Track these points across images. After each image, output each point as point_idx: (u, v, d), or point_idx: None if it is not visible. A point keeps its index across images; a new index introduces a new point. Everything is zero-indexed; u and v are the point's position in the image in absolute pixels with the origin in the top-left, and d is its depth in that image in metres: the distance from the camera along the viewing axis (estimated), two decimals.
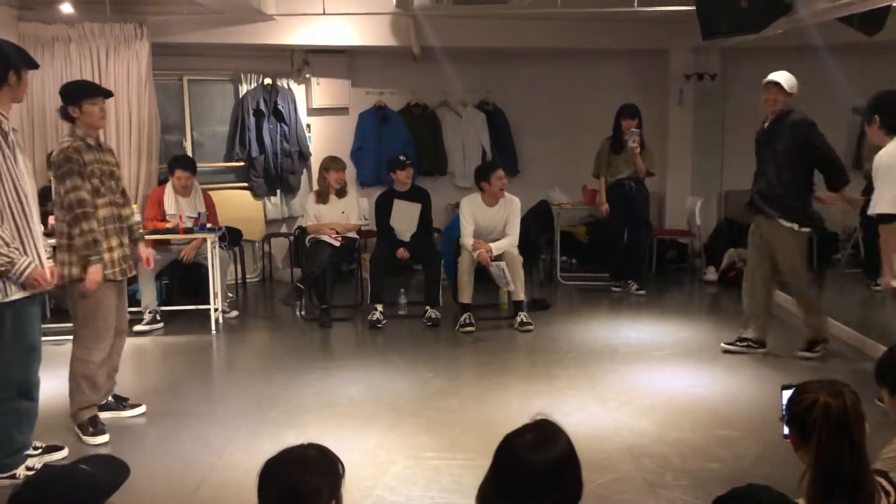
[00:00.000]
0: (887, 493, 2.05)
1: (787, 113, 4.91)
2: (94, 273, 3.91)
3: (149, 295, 6.20)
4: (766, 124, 5.02)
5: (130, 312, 6.05)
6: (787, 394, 2.20)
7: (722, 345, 5.29)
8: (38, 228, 3.56)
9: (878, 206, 3.85)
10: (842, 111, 7.79)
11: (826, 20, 5.68)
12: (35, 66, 3.63)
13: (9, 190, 3.35)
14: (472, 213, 6.17)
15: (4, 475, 3.49)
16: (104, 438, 4.02)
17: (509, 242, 6.13)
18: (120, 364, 4.41)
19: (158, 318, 6.23)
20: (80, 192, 3.91)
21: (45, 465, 1.73)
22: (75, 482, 1.70)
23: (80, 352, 4.09)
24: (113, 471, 1.79)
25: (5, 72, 3.41)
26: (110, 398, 4.37)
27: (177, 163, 6.58)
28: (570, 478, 1.88)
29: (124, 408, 4.41)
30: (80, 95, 4.03)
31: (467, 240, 6.11)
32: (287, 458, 1.84)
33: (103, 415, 4.22)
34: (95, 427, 4.05)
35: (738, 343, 5.25)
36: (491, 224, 6.24)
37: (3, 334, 3.40)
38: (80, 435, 4.04)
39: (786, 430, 2.16)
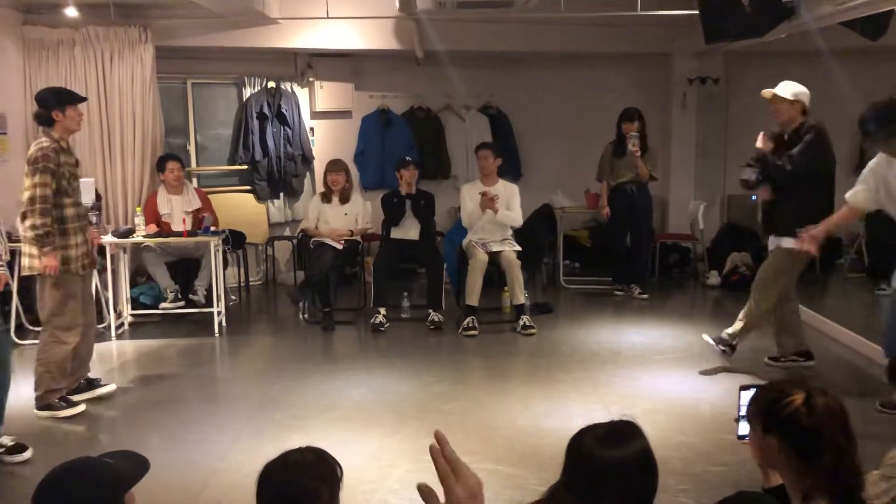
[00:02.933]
0: None
1: (801, 126, 4.78)
2: (49, 259, 4.16)
3: (163, 277, 6.39)
4: (786, 137, 4.88)
5: (135, 315, 6.12)
6: (745, 395, 2.16)
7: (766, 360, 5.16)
8: None
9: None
10: (845, 116, 7.81)
11: (829, 24, 5.68)
12: (77, 100, 3.94)
13: None
14: (471, 194, 6.33)
15: None
16: (80, 408, 4.39)
17: (515, 216, 6.31)
18: (123, 366, 4.47)
19: (179, 296, 6.38)
20: (46, 189, 4.15)
21: (76, 458, 1.77)
22: (100, 473, 1.74)
23: (52, 340, 4.33)
24: (134, 464, 1.85)
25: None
26: (82, 381, 4.61)
27: (167, 156, 6.75)
28: (641, 481, 1.82)
29: (96, 387, 4.64)
30: (65, 100, 4.32)
31: (469, 217, 6.30)
32: (285, 464, 1.83)
33: (77, 397, 4.50)
34: (68, 402, 4.40)
35: (781, 359, 5.11)
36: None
37: None
38: (55, 413, 4.30)
39: (741, 432, 2.13)
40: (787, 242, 4.70)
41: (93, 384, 4.66)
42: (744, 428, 2.10)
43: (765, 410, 1.91)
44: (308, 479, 1.80)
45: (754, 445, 1.97)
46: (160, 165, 6.66)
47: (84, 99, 4.53)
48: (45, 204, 4.15)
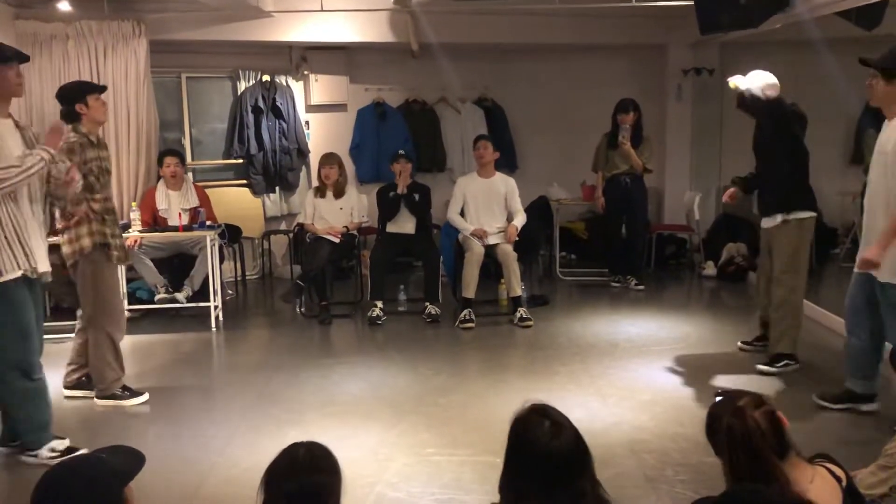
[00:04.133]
0: (839, 479, 2.06)
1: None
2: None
3: (149, 274, 6.35)
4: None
5: (131, 310, 6.11)
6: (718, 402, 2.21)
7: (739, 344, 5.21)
8: (28, 215, 3.62)
9: None
10: (839, 106, 7.84)
11: (824, 14, 5.67)
12: (15, 57, 3.66)
13: None
14: (465, 189, 6.38)
15: (32, 453, 3.69)
16: (144, 397, 4.51)
17: (522, 219, 6.35)
18: (121, 356, 4.52)
19: (170, 288, 6.37)
20: None
21: (73, 456, 1.79)
22: (98, 470, 1.75)
23: (100, 334, 4.37)
24: (130, 458, 1.86)
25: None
26: (84, 377, 4.59)
27: (166, 151, 6.76)
28: (587, 454, 1.91)
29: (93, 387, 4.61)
30: (84, 92, 4.27)
31: (453, 215, 6.37)
32: (293, 460, 1.83)
33: (74, 392, 4.55)
34: (131, 391, 4.50)
35: (755, 343, 5.16)
36: (486, 196, 6.33)
37: None
38: (120, 403, 4.45)
39: None
40: (798, 214, 4.67)
41: (92, 383, 4.59)
42: None
43: (707, 431, 2.19)
44: (322, 475, 1.80)
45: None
46: (159, 160, 6.65)
47: (104, 88, 4.48)
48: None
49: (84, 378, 4.59)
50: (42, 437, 3.70)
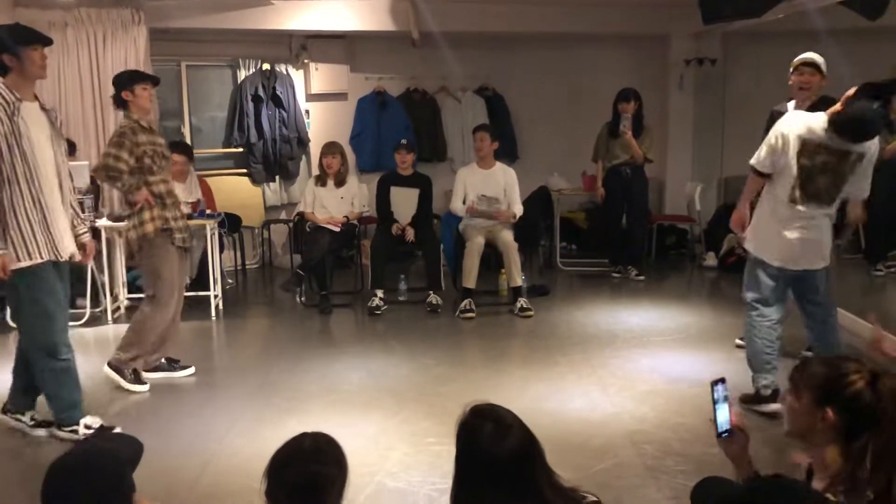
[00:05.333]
0: None
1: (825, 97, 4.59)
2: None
3: None
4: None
5: (131, 299, 6.10)
6: (720, 388, 2.12)
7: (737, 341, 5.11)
8: (57, 202, 3.70)
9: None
10: (842, 96, 7.79)
11: (828, 4, 5.64)
12: (39, 40, 3.70)
13: (6, 167, 3.51)
14: (465, 180, 6.36)
15: (67, 429, 3.80)
16: (145, 388, 4.50)
17: (519, 210, 6.32)
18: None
19: None
20: (120, 162, 4.28)
21: (79, 445, 1.81)
22: (106, 457, 1.78)
23: (150, 309, 4.50)
24: (131, 446, 1.89)
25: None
26: (162, 361, 4.78)
27: (173, 146, 6.60)
28: (536, 447, 1.86)
29: (175, 369, 4.81)
30: (132, 80, 4.42)
31: (457, 205, 6.33)
32: (298, 450, 1.82)
33: (154, 375, 4.68)
34: (137, 377, 4.53)
35: None
36: (486, 187, 6.31)
37: (21, 299, 3.64)
38: (119, 380, 4.45)
39: (723, 428, 2.09)
40: None
41: (172, 365, 4.83)
42: (723, 424, 2.08)
43: (822, 384, 1.89)
44: (327, 466, 1.80)
45: (795, 415, 1.94)
46: None
47: (152, 78, 4.56)
48: (113, 172, 4.29)
49: (163, 361, 4.77)
50: (73, 415, 3.81)
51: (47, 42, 3.75)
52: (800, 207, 3.89)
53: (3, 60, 3.56)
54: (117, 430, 3.84)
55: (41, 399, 3.91)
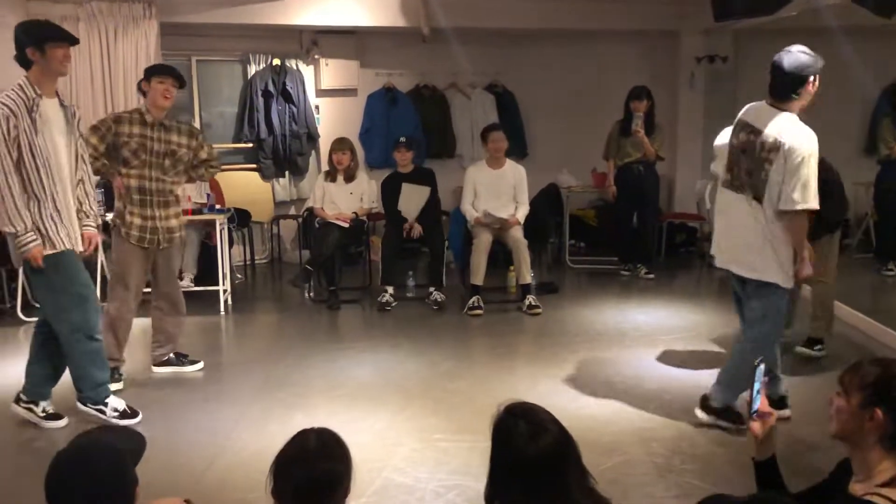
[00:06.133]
0: None
1: None
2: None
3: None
4: None
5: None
6: (761, 369, 2.10)
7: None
8: (69, 197, 3.80)
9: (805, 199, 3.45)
10: (854, 95, 7.75)
11: (841, 2, 5.60)
12: (65, 39, 3.77)
13: (27, 161, 3.60)
14: (475, 179, 6.33)
15: (93, 407, 3.93)
16: (118, 386, 4.38)
17: (525, 211, 6.28)
18: (127, 344, 4.52)
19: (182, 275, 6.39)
20: (87, 146, 4.16)
21: (81, 437, 1.84)
22: (110, 450, 1.78)
23: (109, 306, 4.49)
24: (134, 440, 1.91)
25: (22, 53, 3.66)
26: (171, 355, 4.78)
27: None
28: (571, 446, 1.85)
29: (184, 363, 4.81)
30: (152, 72, 4.46)
31: (466, 207, 6.29)
32: (304, 447, 1.81)
33: (163, 370, 4.74)
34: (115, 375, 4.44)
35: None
36: (496, 187, 6.29)
37: (53, 283, 3.75)
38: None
39: (756, 407, 2.08)
40: None
41: (181, 359, 4.82)
42: (758, 405, 2.09)
43: (875, 384, 1.89)
44: (333, 463, 1.79)
45: (842, 414, 1.94)
46: None
47: (170, 71, 4.47)
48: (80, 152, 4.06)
49: (172, 356, 4.78)
50: (101, 392, 3.94)
51: (72, 41, 3.81)
52: (724, 189, 3.87)
53: (27, 54, 3.64)
54: (139, 416, 3.98)
55: (55, 389, 4.00)
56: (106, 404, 3.94)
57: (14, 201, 3.58)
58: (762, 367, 2.11)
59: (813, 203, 3.46)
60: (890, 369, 1.91)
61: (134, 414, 3.98)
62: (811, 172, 3.45)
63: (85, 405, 3.95)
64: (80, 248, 3.86)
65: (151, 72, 4.48)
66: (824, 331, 4.89)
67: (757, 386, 2.08)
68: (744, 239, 3.70)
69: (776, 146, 3.51)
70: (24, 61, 3.66)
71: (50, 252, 3.68)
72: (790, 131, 3.51)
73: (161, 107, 4.43)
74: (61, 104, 3.79)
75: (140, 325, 4.84)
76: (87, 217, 3.94)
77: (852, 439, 1.94)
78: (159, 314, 4.74)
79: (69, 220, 3.79)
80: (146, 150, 4.39)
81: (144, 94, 4.46)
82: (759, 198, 3.60)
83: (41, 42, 3.63)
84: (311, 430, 1.88)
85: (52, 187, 3.69)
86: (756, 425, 2.08)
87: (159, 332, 4.75)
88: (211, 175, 4.94)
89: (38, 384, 3.96)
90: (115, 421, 3.90)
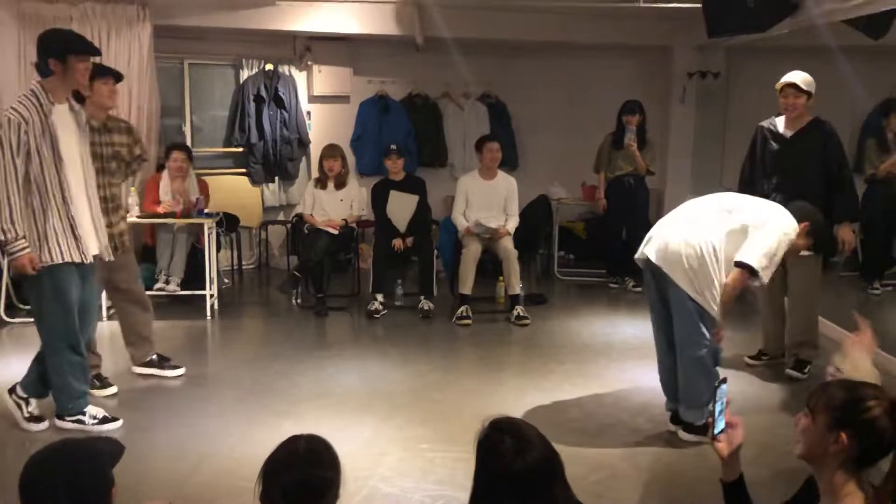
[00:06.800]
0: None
1: (817, 119, 4.75)
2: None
3: (163, 259, 6.42)
4: (787, 131, 4.79)
5: None
6: (723, 389, 2.05)
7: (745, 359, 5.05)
8: (83, 203, 3.78)
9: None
10: (845, 113, 7.81)
11: (832, 22, 5.65)
12: (88, 51, 3.75)
13: (36, 169, 3.58)
14: (467, 189, 6.32)
15: (71, 419, 3.89)
16: (113, 389, 4.41)
17: (515, 223, 6.28)
18: (113, 348, 4.49)
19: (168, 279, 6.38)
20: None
21: (60, 440, 1.85)
22: (86, 451, 1.79)
23: None
24: (112, 445, 1.89)
25: (44, 62, 3.63)
26: (154, 356, 4.74)
27: (175, 145, 6.71)
28: (556, 462, 1.83)
29: (164, 367, 4.74)
30: (93, 74, 4.18)
31: (457, 216, 6.29)
32: (293, 453, 1.81)
33: (143, 370, 4.70)
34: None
35: (761, 357, 5.07)
36: (487, 198, 6.29)
37: (44, 295, 3.73)
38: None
39: (719, 429, 2.05)
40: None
41: (163, 363, 4.77)
42: (721, 424, 2.06)
43: (841, 407, 1.88)
44: (322, 469, 1.79)
45: (808, 435, 1.92)
46: (166, 153, 6.63)
47: (110, 71, 4.41)
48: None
49: (155, 357, 4.73)
50: (80, 403, 3.91)
51: (95, 53, 3.81)
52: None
53: (49, 64, 3.62)
54: (119, 422, 3.94)
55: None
56: (84, 413, 3.91)
57: (10, 209, 3.53)
58: (724, 387, 2.09)
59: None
60: (856, 392, 1.90)
61: (113, 419, 3.95)
62: None
63: (63, 419, 3.90)
64: (90, 259, 3.80)
65: (93, 73, 4.00)
66: (812, 352, 4.87)
67: (719, 406, 2.06)
68: (677, 247, 3.69)
69: None
70: (43, 70, 3.64)
71: (45, 263, 3.64)
72: None
73: (106, 108, 4.37)
74: (71, 109, 3.77)
75: (111, 328, 4.81)
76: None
77: (817, 461, 1.93)
78: (127, 315, 4.67)
79: (83, 230, 3.74)
80: (98, 157, 4.22)
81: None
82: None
83: (64, 53, 3.62)
84: (301, 436, 1.87)
85: (62, 196, 3.65)
86: (721, 446, 2.06)
87: (130, 332, 4.68)
88: (138, 169, 4.86)
89: (36, 381, 3.94)
90: (95, 428, 3.86)
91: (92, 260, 3.84)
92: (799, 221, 3.74)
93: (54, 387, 3.88)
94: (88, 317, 3.96)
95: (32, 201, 3.61)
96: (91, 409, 3.93)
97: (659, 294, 3.84)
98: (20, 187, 3.55)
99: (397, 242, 6.31)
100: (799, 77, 4.70)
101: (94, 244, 3.87)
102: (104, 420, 3.93)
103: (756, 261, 3.55)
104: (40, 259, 3.64)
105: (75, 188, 3.72)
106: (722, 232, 3.67)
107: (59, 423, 3.90)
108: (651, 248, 3.82)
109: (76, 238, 3.72)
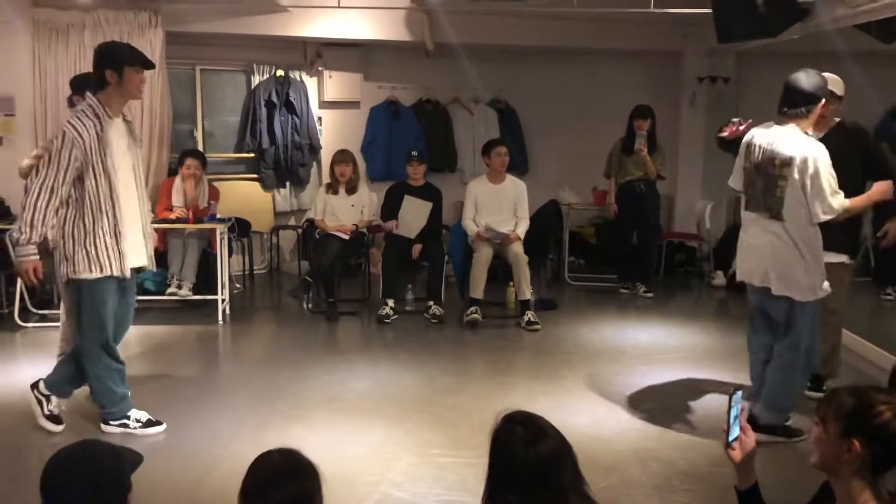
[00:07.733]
0: None
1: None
2: None
3: (174, 264, 6.45)
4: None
5: (139, 300, 6.07)
6: (738, 397, 2.04)
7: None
8: (133, 215, 3.83)
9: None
10: (856, 118, 7.77)
11: (843, 27, 5.63)
12: (143, 63, 3.81)
13: (90, 183, 3.63)
14: (476, 194, 6.35)
15: (116, 423, 3.94)
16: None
17: (525, 227, 6.29)
18: (126, 352, 4.49)
19: (181, 284, 6.42)
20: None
21: (79, 442, 1.87)
22: (111, 451, 1.81)
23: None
24: (132, 452, 1.90)
25: (101, 73, 3.70)
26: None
27: (188, 152, 6.74)
28: (569, 453, 1.86)
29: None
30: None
31: (468, 222, 6.31)
32: (274, 469, 1.81)
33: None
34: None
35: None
36: (496, 202, 6.30)
37: (82, 305, 3.80)
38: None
39: (733, 436, 2.05)
40: (834, 257, 4.12)
41: None
42: (735, 432, 2.06)
43: (849, 414, 1.86)
44: (308, 479, 1.80)
45: (820, 445, 1.92)
46: (180, 160, 6.67)
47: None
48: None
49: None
50: (123, 407, 3.96)
51: (150, 65, 3.85)
52: (745, 211, 3.95)
53: (105, 76, 3.68)
54: (163, 426, 3.98)
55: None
56: (128, 417, 3.96)
57: (33, 212, 3.57)
58: (738, 394, 2.08)
59: (836, 208, 3.62)
60: (865, 398, 1.88)
61: (157, 423, 3.99)
62: (826, 180, 3.60)
63: (108, 423, 3.95)
64: (128, 274, 3.83)
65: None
66: (835, 369, 4.56)
67: (734, 413, 2.06)
68: (767, 256, 3.79)
69: (788, 162, 3.66)
70: (100, 82, 3.69)
71: (89, 277, 3.71)
72: (799, 146, 3.67)
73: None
74: (125, 119, 3.84)
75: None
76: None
77: (832, 470, 1.91)
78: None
79: (127, 244, 3.79)
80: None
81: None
82: (776, 216, 3.72)
83: (120, 65, 3.68)
84: (274, 451, 1.86)
85: (112, 211, 3.70)
86: (735, 453, 2.06)
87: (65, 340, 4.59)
88: None
89: (61, 381, 3.98)
90: (140, 431, 3.92)
91: (131, 274, 3.89)
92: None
93: (96, 392, 3.94)
94: (121, 329, 4.01)
95: (84, 216, 3.66)
96: (135, 413, 3.98)
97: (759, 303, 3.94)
98: (53, 198, 3.59)
99: (416, 249, 6.35)
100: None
101: (139, 256, 3.92)
102: (149, 423, 3.97)
103: (830, 208, 3.60)
104: (88, 269, 3.68)
105: (125, 202, 3.77)
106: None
107: (104, 427, 3.94)
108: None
109: (120, 253, 3.77)
